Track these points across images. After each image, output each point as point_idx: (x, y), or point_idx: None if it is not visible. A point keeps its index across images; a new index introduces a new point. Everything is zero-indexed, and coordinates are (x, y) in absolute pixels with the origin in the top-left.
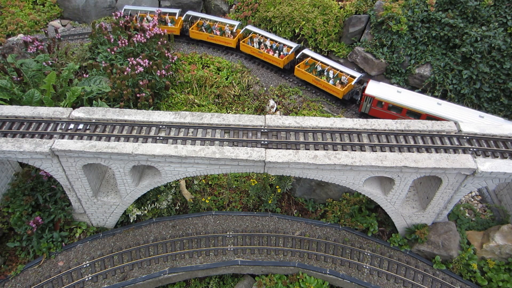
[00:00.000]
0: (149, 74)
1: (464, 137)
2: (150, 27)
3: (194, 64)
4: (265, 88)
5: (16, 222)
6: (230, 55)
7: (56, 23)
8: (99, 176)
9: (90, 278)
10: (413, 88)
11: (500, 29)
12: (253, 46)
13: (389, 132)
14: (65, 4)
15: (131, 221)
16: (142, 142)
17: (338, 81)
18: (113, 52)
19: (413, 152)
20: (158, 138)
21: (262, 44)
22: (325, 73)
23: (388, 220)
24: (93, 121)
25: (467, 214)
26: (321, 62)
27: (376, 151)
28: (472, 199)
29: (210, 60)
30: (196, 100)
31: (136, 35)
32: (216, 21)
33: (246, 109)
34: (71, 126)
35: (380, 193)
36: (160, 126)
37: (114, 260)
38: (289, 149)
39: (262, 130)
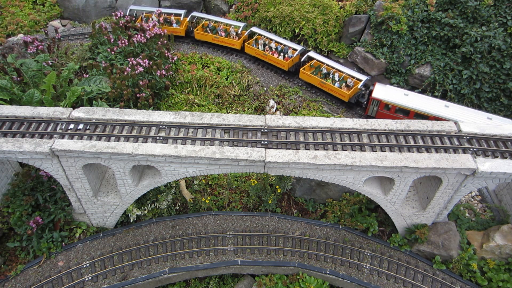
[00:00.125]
0: (149, 74)
1: (464, 137)
2: (150, 27)
3: (194, 64)
4: (265, 88)
5: (16, 222)
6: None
7: (56, 23)
8: (99, 176)
9: (90, 278)
10: (413, 88)
11: (500, 29)
12: (258, 48)
13: (389, 132)
14: (65, 4)
15: (131, 221)
16: (142, 142)
17: (344, 84)
18: (113, 52)
19: (413, 152)
20: (158, 138)
21: (267, 46)
22: (331, 76)
23: (388, 220)
24: (93, 121)
25: (467, 214)
26: (327, 65)
27: (376, 151)
28: (472, 199)
29: (210, 60)
30: (196, 100)
31: (136, 35)
32: (221, 23)
33: (246, 109)
34: (71, 126)
35: (380, 193)
36: (160, 126)
37: (114, 260)
38: (289, 149)
39: (262, 130)
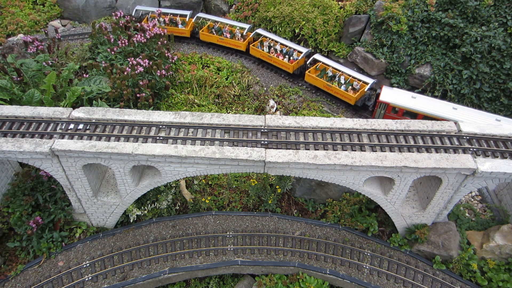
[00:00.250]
0: (149, 74)
1: (464, 137)
2: (150, 27)
3: (194, 64)
4: (265, 88)
5: (16, 222)
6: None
7: (56, 23)
8: (99, 176)
9: (90, 278)
10: (413, 88)
11: (500, 29)
12: (263, 50)
13: (389, 132)
14: (65, 4)
15: (131, 221)
16: (142, 142)
17: (350, 87)
18: (113, 52)
19: (413, 152)
20: (158, 138)
21: (272, 48)
22: (337, 79)
23: (388, 220)
24: (93, 121)
25: (467, 214)
26: (333, 68)
27: (376, 151)
28: (472, 199)
29: (210, 60)
30: (196, 100)
31: (136, 35)
32: (227, 24)
33: (246, 109)
34: (71, 126)
35: (380, 193)
36: (160, 126)
37: (114, 260)
38: (289, 149)
39: (262, 130)
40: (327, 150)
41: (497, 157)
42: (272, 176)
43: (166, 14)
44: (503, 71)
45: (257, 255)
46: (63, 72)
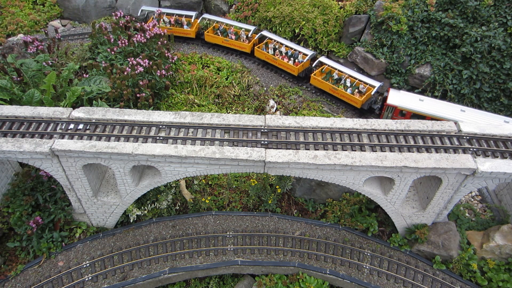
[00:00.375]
0: (149, 74)
1: (464, 137)
2: (150, 27)
3: (194, 64)
4: (265, 88)
5: (16, 222)
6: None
7: (56, 23)
8: (99, 176)
9: (90, 278)
10: (413, 88)
11: (500, 29)
12: (268, 52)
13: (389, 132)
14: (65, 4)
15: (131, 221)
16: (142, 142)
17: (356, 90)
18: (113, 52)
19: (413, 152)
20: (158, 138)
21: (277, 50)
22: (342, 82)
23: (388, 220)
24: (93, 121)
25: (467, 214)
26: (338, 71)
27: (376, 151)
28: (472, 199)
29: (210, 60)
30: (196, 100)
31: (136, 35)
32: (232, 25)
33: (246, 109)
34: (71, 126)
35: (380, 193)
36: (160, 126)
37: (114, 260)
38: (289, 149)
39: (262, 130)
40: (327, 150)
41: (497, 157)
42: (272, 176)
43: (171, 14)
44: (503, 71)
45: (257, 255)
46: (63, 72)
